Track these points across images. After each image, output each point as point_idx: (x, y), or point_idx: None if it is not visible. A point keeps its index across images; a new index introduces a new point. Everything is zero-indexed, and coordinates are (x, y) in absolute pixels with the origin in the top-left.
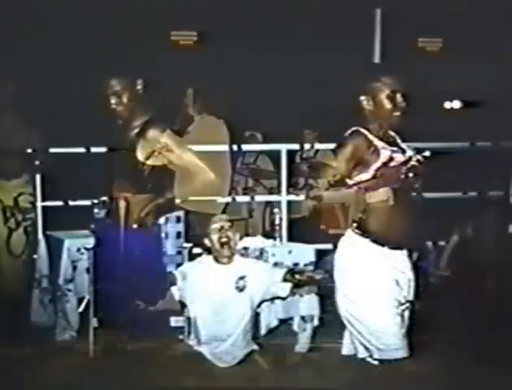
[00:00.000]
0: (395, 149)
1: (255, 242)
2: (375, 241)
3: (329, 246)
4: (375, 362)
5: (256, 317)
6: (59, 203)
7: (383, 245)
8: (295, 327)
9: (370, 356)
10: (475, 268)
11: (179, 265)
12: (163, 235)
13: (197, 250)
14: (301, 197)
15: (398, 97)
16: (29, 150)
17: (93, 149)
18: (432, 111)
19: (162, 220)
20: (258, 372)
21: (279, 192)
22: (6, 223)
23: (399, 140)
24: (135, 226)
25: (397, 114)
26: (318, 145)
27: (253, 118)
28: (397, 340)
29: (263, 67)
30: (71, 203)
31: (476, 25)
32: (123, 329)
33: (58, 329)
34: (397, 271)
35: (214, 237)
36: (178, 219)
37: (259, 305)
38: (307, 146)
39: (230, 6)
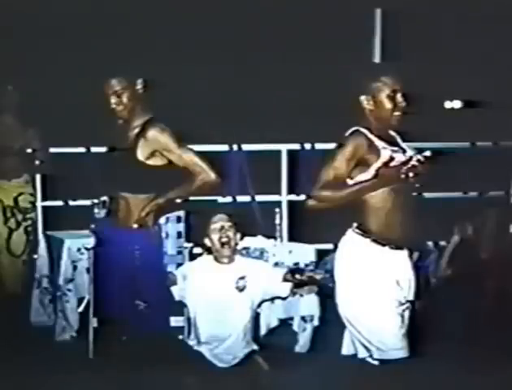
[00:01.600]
0: (395, 148)
1: (255, 242)
2: (375, 241)
3: (329, 246)
4: (375, 362)
5: (256, 317)
6: (59, 203)
7: (383, 245)
8: (295, 327)
9: (371, 356)
10: (476, 268)
11: (179, 265)
12: (164, 235)
13: (197, 250)
14: (302, 197)
15: (398, 96)
16: (29, 150)
17: (93, 149)
18: (432, 111)
19: (162, 220)
20: (258, 372)
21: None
22: (6, 223)
23: (399, 140)
24: (135, 226)
25: (398, 113)
26: (318, 145)
27: (253, 118)
28: (397, 340)
29: (262, 67)
30: (71, 203)
31: (476, 24)
32: (123, 329)
33: (58, 329)
34: (397, 271)
35: (215, 237)
36: (178, 219)
37: (259, 305)
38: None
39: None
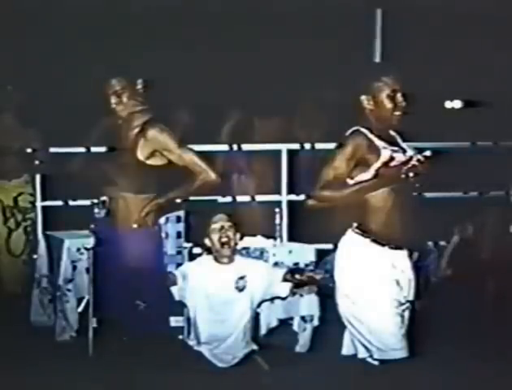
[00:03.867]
0: (396, 148)
1: (255, 242)
2: (375, 241)
3: (329, 246)
4: (375, 362)
5: (256, 317)
6: (59, 203)
7: (383, 245)
8: (295, 327)
9: (371, 356)
10: (476, 268)
11: (179, 265)
12: (164, 235)
13: (197, 250)
14: (302, 197)
15: (398, 96)
16: (29, 150)
17: (93, 149)
18: (432, 111)
19: (162, 220)
20: (258, 372)
21: (279, 193)
22: (6, 223)
23: (400, 140)
24: (135, 226)
25: (398, 113)
26: (318, 145)
27: (252, 118)
28: (397, 341)
29: (262, 67)
30: (71, 203)
31: (476, 24)
32: (123, 329)
33: (58, 329)
34: (397, 271)
35: (215, 237)
36: (178, 219)
37: (259, 305)
38: (307, 146)
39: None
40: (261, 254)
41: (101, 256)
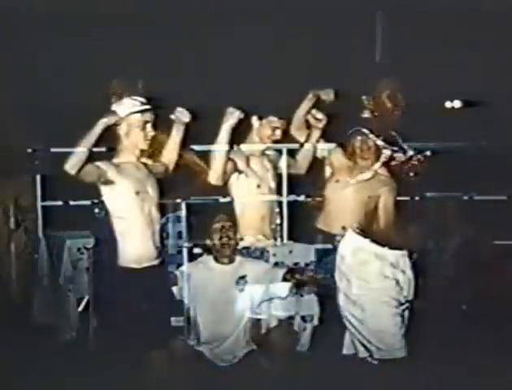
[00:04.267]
0: (396, 148)
1: (255, 242)
2: (375, 241)
3: (329, 246)
4: (375, 362)
5: (256, 317)
6: (59, 203)
7: (383, 245)
8: (295, 327)
9: (371, 356)
10: (476, 268)
11: (179, 265)
12: (164, 235)
13: (197, 250)
14: (302, 197)
15: (398, 96)
16: (29, 150)
17: (93, 149)
18: (432, 111)
19: (162, 220)
20: (258, 372)
21: (279, 193)
22: (7, 223)
23: (399, 140)
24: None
25: (398, 113)
26: (319, 145)
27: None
28: (397, 340)
29: (262, 67)
30: (71, 203)
31: (477, 24)
32: (123, 329)
33: (58, 329)
34: (397, 271)
35: (215, 237)
36: (178, 219)
37: (259, 305)
38: (308, 146)
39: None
40: (261, 254)
41: (101, 256)
